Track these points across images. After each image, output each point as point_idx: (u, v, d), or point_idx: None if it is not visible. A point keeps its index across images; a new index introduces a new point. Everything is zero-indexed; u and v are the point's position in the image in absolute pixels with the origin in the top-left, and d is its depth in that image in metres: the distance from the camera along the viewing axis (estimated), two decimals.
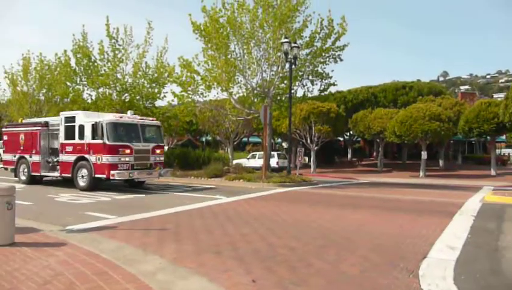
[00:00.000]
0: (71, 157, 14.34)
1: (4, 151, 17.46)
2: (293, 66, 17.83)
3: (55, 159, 15.30)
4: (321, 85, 20.22)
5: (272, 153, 31.49)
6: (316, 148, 32.17)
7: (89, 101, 24.72)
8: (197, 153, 23.15)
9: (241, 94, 20.61)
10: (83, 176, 14.01)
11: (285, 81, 19.55)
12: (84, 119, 14.25)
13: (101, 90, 23.17)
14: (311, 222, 8.32)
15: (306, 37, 19.22)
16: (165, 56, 24.24)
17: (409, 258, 5.48)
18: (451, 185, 20.15)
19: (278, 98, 20.59)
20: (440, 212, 9.69)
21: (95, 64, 22.89)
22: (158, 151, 14.85)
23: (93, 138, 13.67)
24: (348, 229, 7.59)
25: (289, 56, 17.14)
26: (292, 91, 18.59)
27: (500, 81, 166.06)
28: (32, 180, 15.95)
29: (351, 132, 39.55)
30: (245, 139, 45.24)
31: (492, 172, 27.55)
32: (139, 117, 15.50)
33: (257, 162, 29.67)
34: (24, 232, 6.46)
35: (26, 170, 16.18)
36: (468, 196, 13.56)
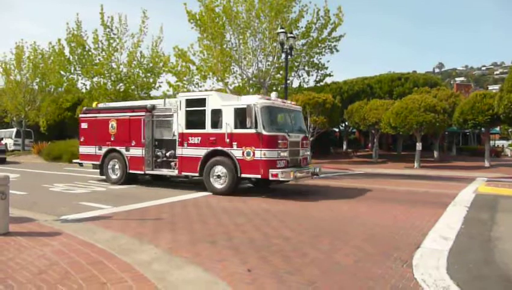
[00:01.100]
0: (199, 152, 11.07)
1: (82, 143, 14.02)
2: (289, 57, 17.74)
3: (167, 153, 12.16)
4: (317, 76, 20.17)
5: None
6: (311, 139, 32.21)
7: (84, 90, 24.57)
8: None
9: (237, 84, 20.51)
10: (219, 176, 10.81)
11: (281, 72, 19.48)
12: (221, 102, 11.03)
13: (95, 79, 22.99)
14: (306, 213, 8.36)
15: (302, 27, 19.12)
16: (160, 46, 24.09)
17: (402, 249, 5.53)
18: (445, 176, 20.28)
19: (274, 88, 20.51)
20: (434, 203, 9.76)
21: (90, 53, 22.67)
22: (305, 143, 11.96)
23: (237, 127, 10.60)
24: (342, 220, 7.64)
25: (285, 46, 17.05)
26: (288, 82, 18.50)
27: (495, 73, 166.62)
28: (128, 179, 12.83)
29: (347, 123, 39.57)
30: None
31: (486, 163, 27.74)
32: (288, 101, 12.84)
33: None
34: (18, 222, 6.45)
35: (118, 166, 12.90)
36: (462, 187, 13.66)
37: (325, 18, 18.74)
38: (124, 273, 4.22)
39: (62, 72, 23.61)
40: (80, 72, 23.05)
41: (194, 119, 11.37)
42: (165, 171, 12.29)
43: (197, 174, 11.25)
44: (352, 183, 15.05)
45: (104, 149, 13.15)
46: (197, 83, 20.08)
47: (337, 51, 19.54)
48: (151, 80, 23.98)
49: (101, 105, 14.81)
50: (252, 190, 12.16)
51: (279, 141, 10.36)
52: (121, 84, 23.38)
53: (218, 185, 10.84)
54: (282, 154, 10.43)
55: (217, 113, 10.94)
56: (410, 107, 26.26)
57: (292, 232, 6.48)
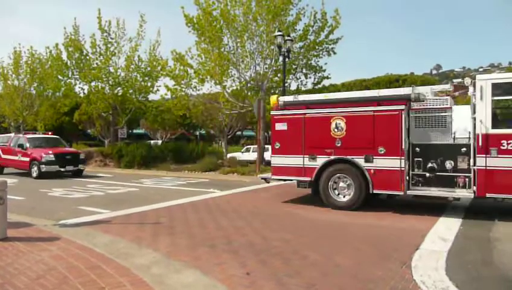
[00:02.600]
0: None
1: (277, 151, 9.85)
2: (287, 59, 17.78)
3: (443, 165, 8.21)
4: (315, 78, 20.23)
5: (266, 146, 31.51)
6: None
7: (81, 95, 24.58)
8: (191, 147, 23.09)
9: (235, 87, 20.55)
10: None
11: (278, 75, 19.52)
12: None
13: (93, 84, 23.04)
14: (305, 215, 8.34)
15: (299, 30, 19.19)
16: (158, 49, 24.17)
17: (401, 250, 5.52)
18: None
19: (272, 91, 20.53)
20: (432, 205, 9.75)
21: (87, 57, 22.72)
22: None
23: None
24: (342, 222, 7.63)
25: (282, 49, 17.08)
26: (286, 84, 18.54)
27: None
28: (365, 201, 8.85)
29: None
30: (239, 132, 45.18)
31: None
32: None
33: (251, 155, 29.64)
34: (17, 227, 6.43)
35: (350, 183, 8.86)
36: None
37: (322, 21, 18.81)
38: (123, 278, 4.21)
39: (60, 77, 23.66)
40: (77, 76, 23.10)
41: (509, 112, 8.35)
42: (441, 192, 8.25)
43: None
44: None
45: (322, 160, 9.08)
46: (195, 87, 20.13)
47: (335, 53, 19.60)
48: (149, 84, 24.01)
49: (312, 97, 10.37)
50: (252, 193, 12.15)
51: None
52: (118, 88, 23.42)
53: None
54: None
55: None
56: None
57: (292, 234, 6.46)
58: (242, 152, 32.75)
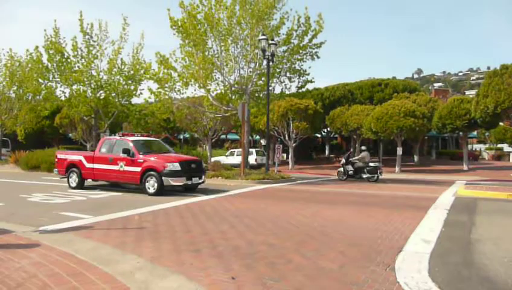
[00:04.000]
0: None
1: None
2: (271, 63, 17.85)
3: None
4: (298, 82, 20.36)
5: (250, 150, 31.57)
6: (294, 144, 32.38)
7: (63, 98, 24.17)
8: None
9: (219, 91, 20.53)
10: None
11: (262, 78, 19.58)
12: None
13: (74, 87, 22.69)
14: (290, 219, 8.36)
15: (283, 34, 19.32)
16: (141, 53, 23.98)
17: (385, 253, 5.58)
18: (425, 179, 20.63)
19: (256, 95, 20.59)
20: (415, 207, 9.91)
21: (68, 60, 22.37)
22: None
23: None
24: (326, 225, 7.67)
25: (266, 53, 17.16)
26: (270, 88, 18.62)
27: (471, 78, 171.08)
28: None
29: (328, 129, 40.00)
30: (223, 136, 45.12)
31: (465, 167, 28.36)
32: None
33: (236, 159, 29.65)
34: None
35: None
36: (442, 191, 13.91)
37: (305, 25, 18.97)
38: (106, 285, 4.14)
39: (40, 80, 23.21)
40: (58, 79, 22.71)
41: None
42: None
43: None
44: (335, 189, 15.16)
45: None
46: (179, 90, 20.03)
47: (318, 57, 19.78)
48: (132, 87, 23.76)
49: None
50: (237, 197, 12.12)
51: None
52: (101, 91, 23.11)
53: None
54: None
55: None
56: (391, 112, 26.67)
57: (277, 238, 6.46)
58: (226, 156, 32.72)
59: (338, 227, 7.50)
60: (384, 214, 9.00)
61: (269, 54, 17.23)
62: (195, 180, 12.87)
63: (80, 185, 13.90)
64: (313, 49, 19.50)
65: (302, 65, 19.98)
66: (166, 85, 19.81)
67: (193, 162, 13.26)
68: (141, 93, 24.42)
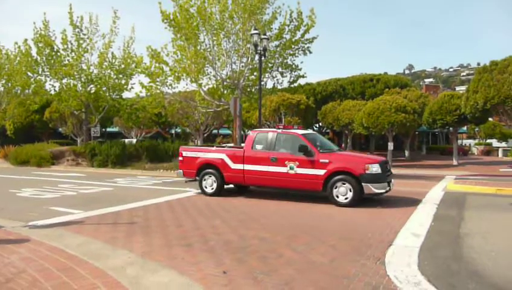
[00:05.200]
0: None
1: None
2: (263, 58, 17.79)
3: None
4: (290, 77, 20.33)
5: (242, 144, 31.50)
6: None
7: (52, 92, 23.90)
8: (167, 146, 22.81)
9: (211, 86, 20.41)
10: None
11: (255, 73, 19.51)
12: None
13: (64, 81, 22.41)
14: (281, 213, 8.39)
15: (275, 29, 19.23)
16: (132, 47, 23.77)
17: (375, 246, 5.63)
18: (416, 174, 20.80)
19: (248, 89, 20.53)
20: (405, 201, 9.99)
21: (58, 54, 22.08)
22: None
23: None
24: (317, 220, 7.71)
25: (258, 48, 17.09)
26: (262, 83, 18.55)
27: (461, 74, 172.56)
28: None
29: (320, 124, 40.05)
30: (215, 131, 45.02)
31: (454, 162, 28.65)
32: None
33: None
34: None
35: None
36: (432, 185, 14.04)
37: (298, 20, 18.92)
38: (96, 279, 4.12)
39: (29, 73, 22.88)
40: (48, 73, 22.41)
41: None
42: None
43: None
44: None
45: None
46: (171, 84, 19.89)
47: (310, 52, 19.75)
48: (123, 82, 23.55)
49: None
50: (229, 192, 12.14)
51: None
52: (91, 85, 22.88)
53: None
54: None
55: None
56: (382, 107, 26.79)
57: (268, 232, 6.48)
58: None
59: (329, 221, 7.54)
60: (375, 208, 9.07)
61: (261, 49, 17.16)
62: (391, 185, 10.05)
63: (219, 191, 10.96)
64: (305, 44, 19.46)
65: (294, 60, 19.94)
66: (158, 79, 19.66)
67: (387, 162, 10.52)
68: (132, 87, 24.15)
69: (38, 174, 17.68)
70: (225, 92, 20.27)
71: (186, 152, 11.83)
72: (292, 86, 21.32)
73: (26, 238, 5.79)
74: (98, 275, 4.25)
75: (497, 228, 7.23)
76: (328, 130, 46.52)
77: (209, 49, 18.85)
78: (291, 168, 9.95)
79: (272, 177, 10.27)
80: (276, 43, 19.41)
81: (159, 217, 7.74)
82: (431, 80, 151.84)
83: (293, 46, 19.36)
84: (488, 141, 49.93)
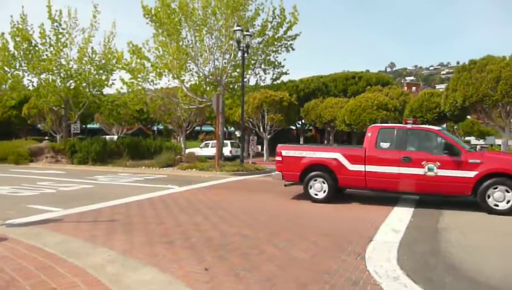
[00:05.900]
0: None
1: None
2: (246, 55, 17.78)
3: None
4: (273, 74, 20.38)
5: (225, 141, 31.47)
6: (268, 136, 32.49)
7: (30, 87, 23.37)
8: (148, 142, 22.55)
9: (193, 82, 20.33)
10: None
11: (237, 70, 19.50)
12: None
13: (43, 76, 21.97)
14: (264, 210, 8.42)
15: (258, 25, 19.26)
16: (113, 42, 23.40)
17: (356, 242, 5.71)
18: None
19: (231, 86, 20.51)
20: (385, 197, 10.15)
21: (36, 48, 21.60)
22: None
23: None
24: (300, 216, 7.77)
25: (241, 44, 17.07)
26: (245, 80, 18.56)
27: (442, 72, 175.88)
28: None
29: (303, 121, 40.30)
30: (198, 127, 44.80)
31: None
32: None
33: (210, 151, 29.49)
34: None
35: None
36: None
37: (280, 17, 18.97)
38: (76, 278, 4.06)
39: (6, 68, 22.29)
40: (25, 68, 21.92)
41: None
42: None
43: None
44: None
45: None
46: (152, 81, 19.72)
47: (293, 49, 19.84)
48: (103, 77, 23.20)
49: None
50: (211, 189, 12.10)
51: None
52: (71, 81, 22.48)
53: None
54: None
55: None
56: (364, 105, 27.12)
57: (250, 229, 6.50)
58: (201, 147, 32.53)
59: (310, 218, 7.61)
60: (356, 204, 9.19)
61: (244, 46, 17.14)
62: None
63: (331, 196, 9.48)
64: (288, 41, 19.54)
65: (277, 57, 20.02)
66: (139, 75, 19.46)
67: None
68: (113, 83, 23.81)
69: (16, 171, 17.28)
70: (208, 88, 20.19)
71: (287, 151, 10.13)
72: (275, 83, 21.40)
73: (3, 237, 5.66)
74: (77, 274, 4.19)
75: (474, 222, 7.42)
76: (310, 127, 46.81)
77: (191, 45, 18.75)
78: (430, 170, 8.55)
79: (404, 180, 8.83)
80: (259, 39, 19.44)
81: (141, 215, 7.66)
82: (412, 78, 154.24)
83: (275, 43, 19.42)
84: (467, 138, 51.06)
